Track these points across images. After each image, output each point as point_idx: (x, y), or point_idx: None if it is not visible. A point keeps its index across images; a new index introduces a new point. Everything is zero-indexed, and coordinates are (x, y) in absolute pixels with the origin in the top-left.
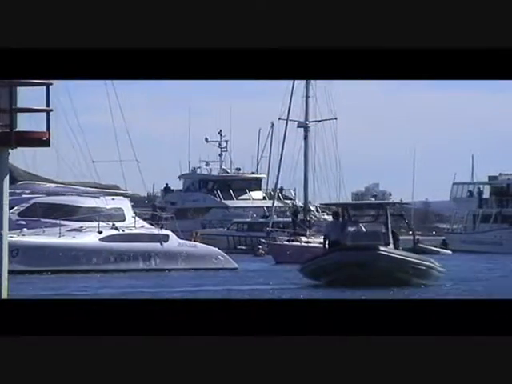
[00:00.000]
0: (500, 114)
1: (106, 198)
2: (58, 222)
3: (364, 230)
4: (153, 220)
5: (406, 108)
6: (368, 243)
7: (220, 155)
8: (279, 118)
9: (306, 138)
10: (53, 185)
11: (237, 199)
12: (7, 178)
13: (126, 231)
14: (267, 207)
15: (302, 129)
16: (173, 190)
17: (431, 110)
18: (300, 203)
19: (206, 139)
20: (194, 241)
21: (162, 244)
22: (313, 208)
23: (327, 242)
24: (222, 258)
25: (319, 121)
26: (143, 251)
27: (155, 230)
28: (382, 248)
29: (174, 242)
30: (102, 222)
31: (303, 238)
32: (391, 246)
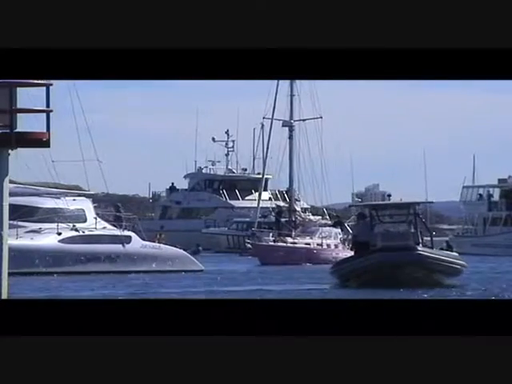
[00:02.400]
0: (506, 115)
1: (67, 198)
2: (15, 223)
3: (393, 230)
4: (115, 221)
5: (405, 108)
6: (401, 243)
7: (226, 155)
8: (263, 117)
9: (290, 137)
10: (12, 185)
11: (242, 199)
12: (7, 179)
13: (87, 232)
14: (273, 208)
15: (287, 128)
16: (178, 190)
17: (431, 110)
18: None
19: (213, 139)
20: (158, 242)
21: (123, 245)
22: (298, 208)
23: (353, 243)
24: (186, 260)
25: (304, 120)
26: (104, 253)
27: (117, 231)
28: (419, 248)
29: (137, 243)
30: (62, 223)
31: (289, 239)
32: (420, 245)
